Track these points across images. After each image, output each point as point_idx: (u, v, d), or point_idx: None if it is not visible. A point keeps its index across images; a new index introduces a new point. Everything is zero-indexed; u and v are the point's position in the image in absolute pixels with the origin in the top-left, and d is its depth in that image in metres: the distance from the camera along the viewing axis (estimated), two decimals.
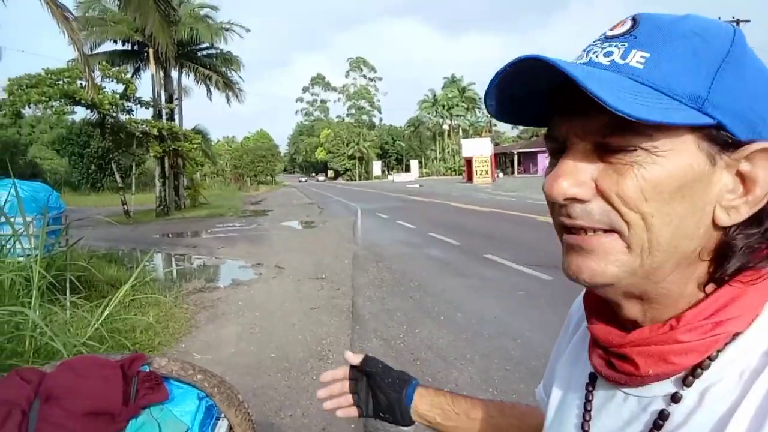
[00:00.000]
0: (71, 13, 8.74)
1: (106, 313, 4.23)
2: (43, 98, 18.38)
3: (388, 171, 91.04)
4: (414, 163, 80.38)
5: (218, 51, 28.79)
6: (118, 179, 24.61)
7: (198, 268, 10.88)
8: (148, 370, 1.26)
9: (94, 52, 25.18)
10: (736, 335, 0.50)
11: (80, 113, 26.05)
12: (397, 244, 12.49)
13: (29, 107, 20.03)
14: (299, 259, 10.90)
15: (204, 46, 28.13)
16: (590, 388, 0.61)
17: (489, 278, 8.18)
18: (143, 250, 13.42)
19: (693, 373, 0.51)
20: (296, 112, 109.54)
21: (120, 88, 22.12)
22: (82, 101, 19.29)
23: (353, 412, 1.00)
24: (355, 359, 1.00)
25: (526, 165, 61.87)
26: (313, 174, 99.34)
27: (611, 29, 0.53)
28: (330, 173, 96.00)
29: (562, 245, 0.56)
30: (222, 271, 10.50)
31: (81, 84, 19.39)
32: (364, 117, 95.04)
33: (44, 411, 1.07)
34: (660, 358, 0.51)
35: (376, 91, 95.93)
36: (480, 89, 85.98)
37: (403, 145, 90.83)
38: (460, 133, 79.75)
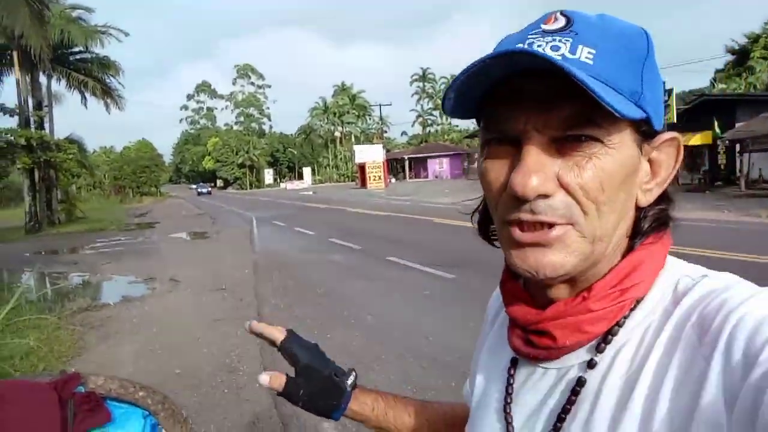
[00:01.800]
0: None
1: None
2: None
3: (280, 179, 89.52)
4: (307, 171, 79.70)
5: (94, 55, 26.75)
6: None
7: (82, 286, 10.04)
8: (84, 390, 1.11)
9: None
10: (638, 301, 0.55)
11: None
12: (297, 252, 12.29)
13: None
14: (195, 272, 10.41)
15: (77, 49, 26.03)
16: (512, 371, 0.63)
17: (394, 280, 8.28)
18: (13, 270, 12.18)
19: (604, 339, 0.55)
20: (181, 121, 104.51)
21: None
22: None
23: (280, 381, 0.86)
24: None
25: (416, 170, 63.52)
26: (201, 182, 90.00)
27: (545, 23, 0.54)
28: (219, 182, 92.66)
29: (507, 238, 0.55)
30: (110, 288, 9.77)
31: None
32: (254, 125, 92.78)
33: None
34: (575, 328, 0.54)
35: (265, 98, 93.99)
36: (369, 97, 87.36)
37: (295, 152, 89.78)
38: (352, 139, 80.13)
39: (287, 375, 0.87)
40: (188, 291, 8.68)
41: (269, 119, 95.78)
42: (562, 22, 0.53)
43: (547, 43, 0.52)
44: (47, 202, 25.10)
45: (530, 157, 0.51)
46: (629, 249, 0.57)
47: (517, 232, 0.53)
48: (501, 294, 0.65)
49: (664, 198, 0.58)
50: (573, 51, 0.51)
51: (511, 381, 0.63)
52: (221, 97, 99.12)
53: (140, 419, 1.16)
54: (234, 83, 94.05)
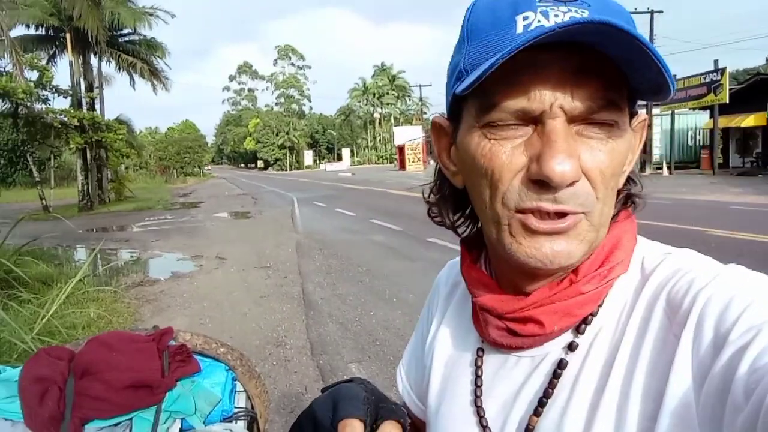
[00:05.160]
0: None
1: (54, 308, 4.02)
2: None
3: (320, 160, 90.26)
4: (346, 152, 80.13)
5: (142, 37, 27.41)
6: (35, 173, 23.15)
7: (134, 262, 10.48)
8: (175, 344, 1.25)
9: (2, 38, 23.41)
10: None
11: None
12: (339, 232, 12.48)
13: None
14: (240, 250, 10.70)
15: (126, 31, 26.70)
16: (479, 363, 0.61)
17: (435, 260, 8.35)
18: (70, 246, 12.79)
19: (585, 320, 0.53)
20: (223, 102, 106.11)
21: (34, 75, 20.77)
22: None
23: None
24: None
25: None
26: (242, 165, 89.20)
27: None
28: (260, 163, 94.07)
29: (517, 228, 0.51)
30: (160, 264, 10.15)
31: None
32: (294, 106, 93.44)
33: (82, 386, 1.05)
34: (565, 312, 0.53)
35: (306, 79, 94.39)
36: (409, 77, 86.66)
37: (334, 133, 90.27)
38: (392, 121, 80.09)
39: None
40: (234, 268, 8.97)
41: (309, 100, 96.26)
42: None
43: (564, 13, 0.48)
44: (98, 182, 26.04)
45: (562, 141, 0.47)
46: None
47: (532, 221, 0.50)
48: (466, 282, 0.61)
49: (637, 176, 0.58)
50: None
51: (479, 373, 0.60)
52: (262, 78, 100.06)
53: (223, 372, 1.29)
54: (275, 64, 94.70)
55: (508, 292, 0.57)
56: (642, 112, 0.54)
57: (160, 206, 25.31)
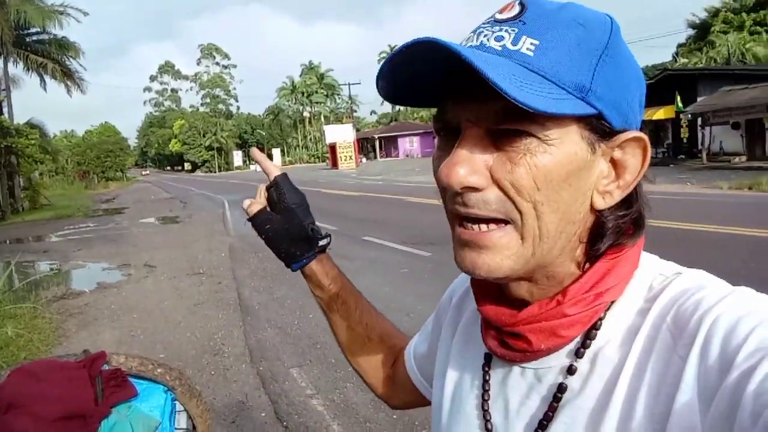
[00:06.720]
0: None
1: None
2: None
3: (249, 161, 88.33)
4: (276, 152, 78.69)
5: (52, 36, 25.86)
6: None
7: (55, 274, 9.89)
8: (109, 368, 1.18)
9: None
10: (613, 302, 0.54)
11: None
12: None
13: None
14: (170, 256, 10.34)
15: (34, 30, 25.12)
16: (486, 368, 0.62)
17: (372, 259, 8.38)
18: None
19: (583, 344, 0.54)
20: (144, 103, 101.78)
21: None
22: None
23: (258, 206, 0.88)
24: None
25: (387, 149, 63.48)
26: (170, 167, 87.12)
27: (500, 12, 0.53)
28: (187, 166, 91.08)
29: (453, 235, 0.55)
30: (84, 275, 9.65)
31: None
32: (221, 106, 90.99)
33: (7, 421, 0.97)
34: (550, 332, 0.54)
35: (232, 79, 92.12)
36: (338, 76, 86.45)
37: (264, 133, 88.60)
38: (322, 119, 79.53)
39: (267, 208, 0.87)
40: (165, 276, 8.64)
41: (236, 100, 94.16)
42: (516, 10, 0.51)
43: (493, 33, 0.51)
44: (9, 190, 24.43)
45: (460, 149, 0.50)
46: (589, 254, 0.55)
47: (458, 230, 0.53)
48: (471, 288, 0.63)
49: (632, 201, 0.55)
50: (515, 42, 0.49)
51: (487, 378, 0.62)
52: (186, 78, 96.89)
53: (162, 394, 1.24)
54: (198, 63, 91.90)
55: (508, 303, 0.58)
56: (629, 131, 0.52)
57: (80, 213, 24.03)
